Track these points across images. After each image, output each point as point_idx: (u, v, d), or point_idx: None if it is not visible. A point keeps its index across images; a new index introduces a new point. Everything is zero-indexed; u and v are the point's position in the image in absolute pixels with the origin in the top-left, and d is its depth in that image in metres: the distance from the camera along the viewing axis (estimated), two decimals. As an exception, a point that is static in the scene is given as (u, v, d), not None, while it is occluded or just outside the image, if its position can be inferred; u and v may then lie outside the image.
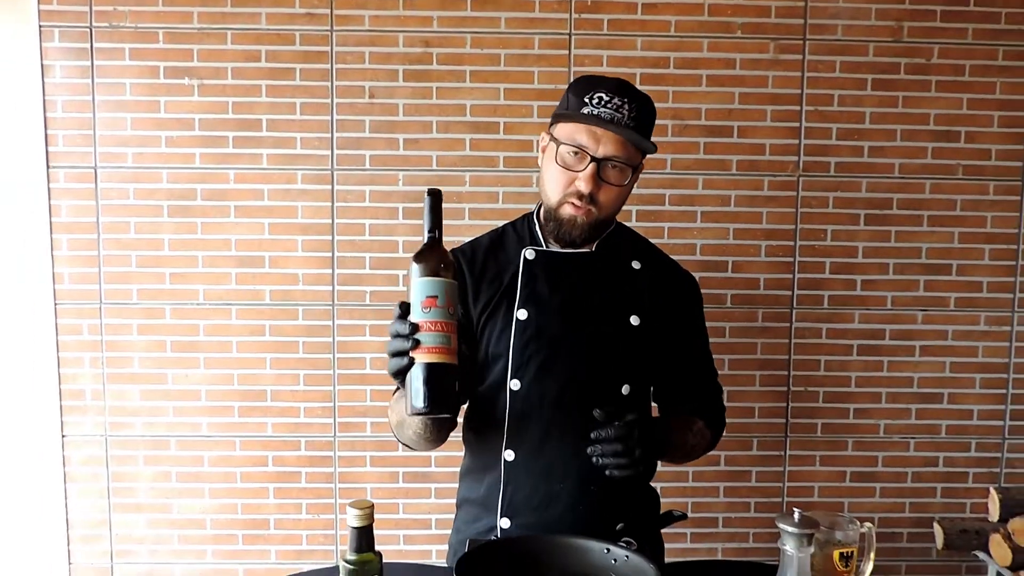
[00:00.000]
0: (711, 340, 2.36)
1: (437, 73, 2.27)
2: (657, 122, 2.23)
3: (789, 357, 2.38)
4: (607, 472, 1.26)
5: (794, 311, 2.37)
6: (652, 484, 1.58)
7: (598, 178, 1.34)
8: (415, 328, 1.10)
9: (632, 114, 1.34)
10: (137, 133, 2.27)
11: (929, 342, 2.39)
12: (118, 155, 2.27)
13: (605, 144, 1.33)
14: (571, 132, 1.35)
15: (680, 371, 1.51)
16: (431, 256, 1.13)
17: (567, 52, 2.26)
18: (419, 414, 1.11)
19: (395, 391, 1.54)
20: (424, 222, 1.17)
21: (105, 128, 2.27)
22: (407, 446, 1.49)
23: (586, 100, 1.34)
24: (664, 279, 1.49)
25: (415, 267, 1.13)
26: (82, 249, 2.30)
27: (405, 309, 1.13)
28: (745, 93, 2.30)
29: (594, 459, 1.25)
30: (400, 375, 1.13)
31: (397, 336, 1.12)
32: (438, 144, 2.29)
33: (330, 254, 2.32)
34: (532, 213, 1.50)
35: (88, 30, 2.23)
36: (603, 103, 1.33)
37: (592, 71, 2.23)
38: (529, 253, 1.44)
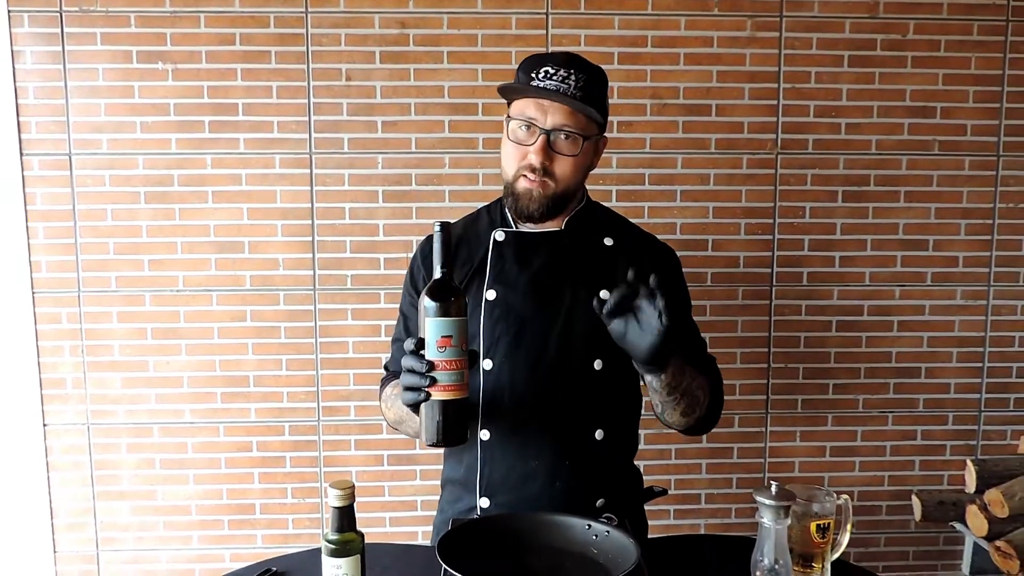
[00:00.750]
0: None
1: (414, 54, 2.26)
2: (636, 101, 2.27)
3: (769, 334, 2.40)
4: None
5: (773, 288, 2.39)
6: (635, 462, 1.59)
7: (550, 149, 1.35)
8: (431, 366, 1.14)
9: (579, 84, 1.34)
10: (111, 119, 2.24)
11: (906, 317, 2.41)
12: (93, 141, 2.25)
13: (553, 115, 1.34)
14: (521, 107, 1.37)
15: None
16: (445, 295, 1.16)
17: (544, 32, 2.25)
18: (434, 446, 1.19)
19: (384, 381, 1.55)
20: (435, 258, 1.20)
21: (79, 114, 2.24)
22: (398, 431, 1.53)
23: (533, 75, 1.35)
24: (640, 253, 1.48)
25: (429, 305, 1.16)
26: (59, 237, 2.27)
27: (420, 345, 1.17)
28: (723, 71, 2.30)
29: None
30: (414, 406, 1.19)
31: (412, 372, 1.16)
32: (416, 126, 2.28)
33: (310, 238, 2.31)
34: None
35: (58, 14, 2.20)
36: (549, 76, 1.34)
37: (569, 51, 2.22)
38: (499, 235, 1.45)
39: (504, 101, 1.44)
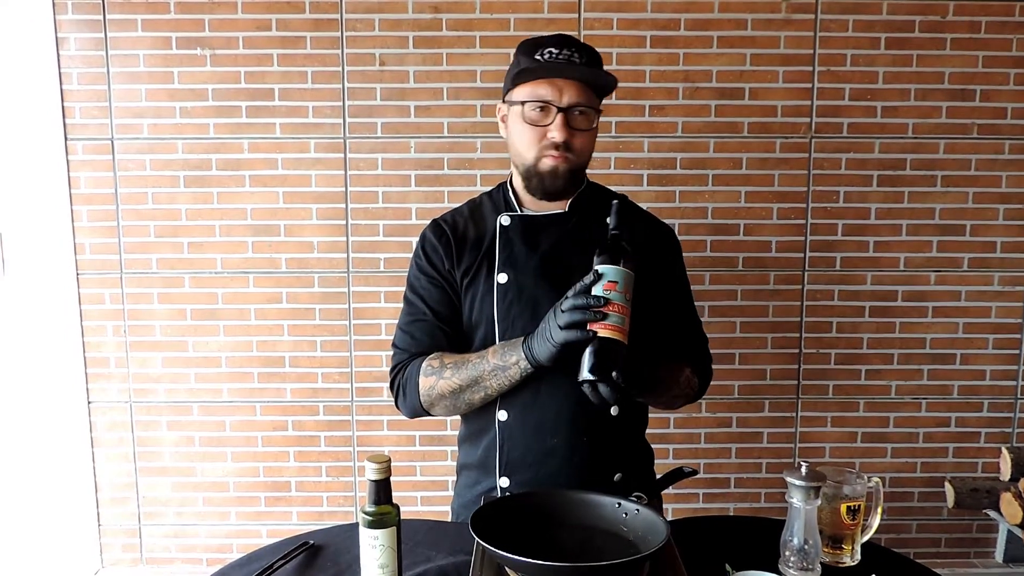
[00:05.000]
0: (723, 303, 2.38)
1: (447, 39, 2.27)
2: (668, 85, 2.26)
3: (801, 319, 2.39)
4: (591, 394, 1.24)
5: (806, 273, 2.37)
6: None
7: (568, 126, 1.37)
8: (602, 301, 1.18)
9: (583, 60, 1.36)
10: (152, 104, 2.29)
11: (942, 303, 2.39)
12: (134, 126, 2.30)
13: (568, 93, 1.35)
14: (532, 90, 1.37)
15: (664, 322, 1.50)
16: (614, 247, 1.22)
17: (576, 16, 2.25)
18: (587, 382, 1.20)
19: (402, 365, 1.48)
20: (611, 220, 1.26)
21: (120, 100, 2.29)
22: (425, 415, 1.48)
23: (536, 57, 1.36)
24: (643, 233, 1.49)
25: (598, 257, 1.22)
26: (101, 220, 2.34)
27: (588, 281, 1.21)
28: (756, 54, 2.28)
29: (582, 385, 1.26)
30: (574, 341, 1.20)
31: (577, 308, 1.19)
32: (449, 111, 2.30)
33: (344, 222, 2.34)
34: (506, 181, 1.52)
35: (100, 2, 2.25)
36: (555, 56, 1.36)
37: (602, 34, 2.22)
38: (504, 219, 1.46)
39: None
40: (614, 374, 1.17)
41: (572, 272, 1.40)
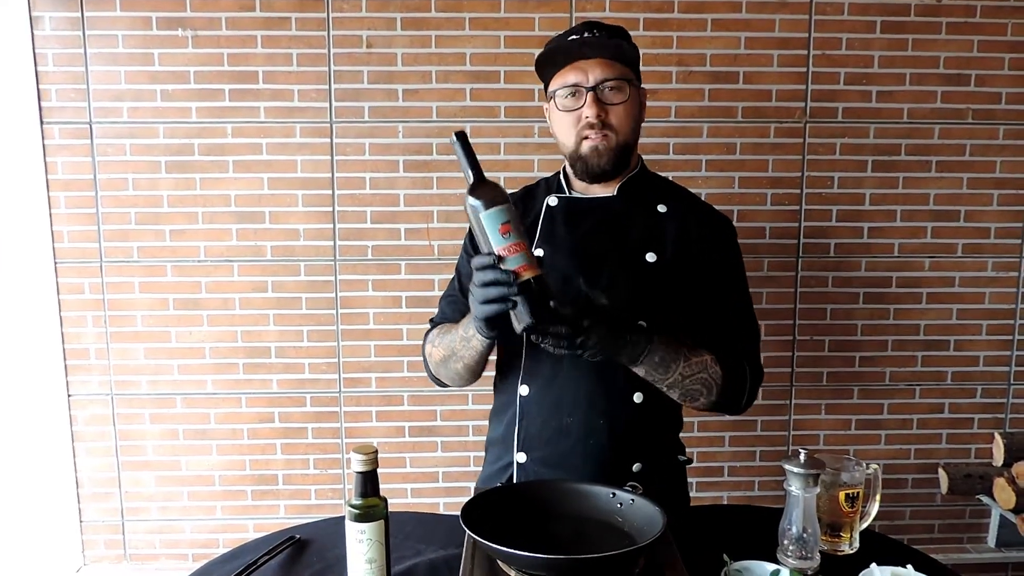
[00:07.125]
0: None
1: (436, 21, 2.22)
2: (661, 68, 2.23)
3: (795, 306, 2.37)
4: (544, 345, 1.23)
5: (800, 260, 2.35)
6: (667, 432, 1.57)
7: (600, 103, 1.39)
8: (499, 259, 1.15)
9: (603, 37, 1.40)
10: (132, 87, 2.23)
11: (936, 289, 2.37)
12: (113, 110, 2.24)
13: (593, 71, 1.39)
14: (561, 79, 1.42)
15: (707, 312, 1.46)
16: (488, 188, 1.17)
17: (568, -3, 2.21)
18: (529, 330, 1.17)
19: (430, 331, 1.55)
20: (464, 164, 1.19)
21: (98, 82, 2.23)
22: (442, 383, 1.54)
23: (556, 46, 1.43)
24: (695, 221, 1.48)
25: (478, 203, 1.16)
26: (80, 207, 2.28)
27: (489, 259, 1.17)
28: (751, 37, 2.25)
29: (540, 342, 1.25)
30: (495, 314, 1.19)
31: (495, 284, 1.15)
32: (438, 95, 2.25)
33: (330, 208, 2.29)
34: (564, 165, 1.54)
35: (77, -19, 2.18)
36: (572, 39, 1.41)
37: (593, 16, 2.18)
38: (552, 200, 1.49)
39: (529, 67, 1.46)
40: (552, 303, 1.16)
41: (607, 253, 1.42)
